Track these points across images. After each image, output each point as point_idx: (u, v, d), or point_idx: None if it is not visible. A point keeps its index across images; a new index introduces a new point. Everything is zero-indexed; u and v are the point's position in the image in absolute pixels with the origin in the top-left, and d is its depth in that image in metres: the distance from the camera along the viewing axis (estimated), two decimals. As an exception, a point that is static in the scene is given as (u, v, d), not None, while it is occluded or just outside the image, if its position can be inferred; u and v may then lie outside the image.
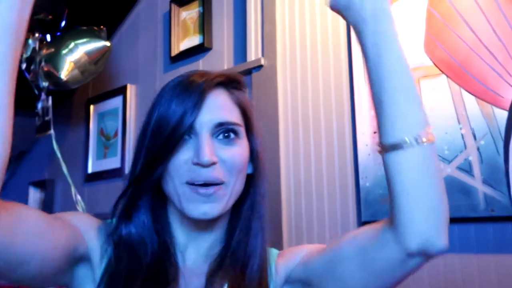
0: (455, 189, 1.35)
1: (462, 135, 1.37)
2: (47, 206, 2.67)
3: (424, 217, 0.62)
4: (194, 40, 2.11)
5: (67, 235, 0.68)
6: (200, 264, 0.78)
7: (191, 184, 0.72)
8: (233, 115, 0.75)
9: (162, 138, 0.71)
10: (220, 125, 0.73)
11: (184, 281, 0.75)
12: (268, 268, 0.79)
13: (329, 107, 1.68)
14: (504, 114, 1.30)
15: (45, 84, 2.13)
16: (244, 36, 1.94)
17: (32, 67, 2.12)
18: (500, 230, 1.29)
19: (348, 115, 1.62)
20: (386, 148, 0.64)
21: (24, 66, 2.12)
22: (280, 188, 1.74)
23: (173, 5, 2.18)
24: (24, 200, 2.77)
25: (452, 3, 1.42)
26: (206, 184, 0.71)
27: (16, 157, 3.08)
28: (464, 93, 1.38)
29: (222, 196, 0.73)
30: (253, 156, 0.79)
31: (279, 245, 1.70)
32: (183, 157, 0.72)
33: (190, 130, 0.72)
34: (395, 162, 0.63)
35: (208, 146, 0.71)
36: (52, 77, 2.11)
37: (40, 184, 2.75)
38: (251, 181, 0.79)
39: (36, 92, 2.16)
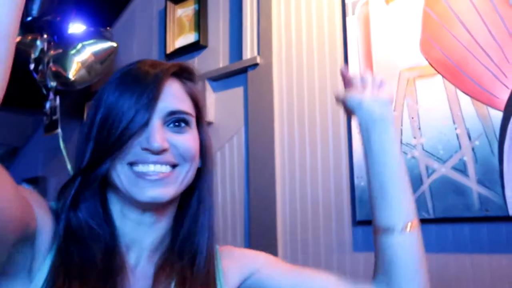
0: (450, 189, 1.35)
1: (457, 135, 1.37)
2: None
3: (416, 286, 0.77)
4: (189, 37, 2.10)
5: (26, 213, 0.63)
6: (147, 259, 0.75)
7: (134, 165, 0.69)
8: (185, 105, 0.74)
9: (115, 132, 0.68)
10: (172, 113, 0.72)
11: (132, 278, 0.72)
12: (214, 264, 0.78)
13: (324, 106, 1.68)
14: (499, 114, 1.31)
15: (53, 84, 2.16)
16: (240, 34, 1.94)
17: (40, 67, 2.15)
18: (494, 230, 1.29)
19: (344, 114, 1.62)
20: (380, 230, 0.77)
21: (32, 66, 2.15)
22: (275, 186, 1.74)
23: (168, 3, 2.17)
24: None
25: (448, 3, 1.42)
26: (154, 172, 0.69)
27: (9, 153, 3.07)
28: (460, 93, 1.38)
29: (175, 179, 0.71)
30: (202, 149, 0.77)
31: (273, 244, 1.70)
32: (130, 142, 0.69)
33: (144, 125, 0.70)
34: (387, 244, 0.77)
35: (159, 133, 0.69)
36: (60, 77, 2.14)
37: (32, 181, 2.74)
38: (199, 174, 0.77)
39: (44, 92, 2.19)
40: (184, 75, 0.77)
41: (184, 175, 0.72)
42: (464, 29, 1.39)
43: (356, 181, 1.54)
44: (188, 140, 0.72)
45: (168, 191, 0.70)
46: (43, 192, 2.67)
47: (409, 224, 0.76)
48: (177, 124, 0.72)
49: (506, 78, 1.31)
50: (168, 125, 0.72)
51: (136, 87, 0.70)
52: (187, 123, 0.73)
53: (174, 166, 0.71)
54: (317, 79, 1.71)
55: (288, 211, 1.71)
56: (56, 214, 0.71)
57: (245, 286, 0.80)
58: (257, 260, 0.82)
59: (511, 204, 1.26)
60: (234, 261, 0.81)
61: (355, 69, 1.60)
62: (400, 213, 0.76)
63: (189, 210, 0.77)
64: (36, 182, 2.71)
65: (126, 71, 0.73)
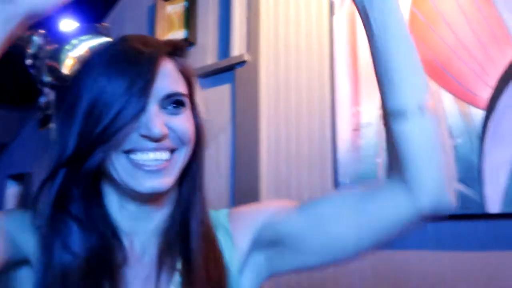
0: (432, 187, 1.35)
1: (440, 133, 1.38)
2: (25, 200, 2.63)
3: (436, 177, 0.65)
4: (178, 34, 2.10)
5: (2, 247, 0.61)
6: (154, 244, 0.73)
7: (131, 153, 0.66)
8: (180, 85, 0.70)
9: (107, 118, 0.63)
10: (168, 96, 0.68)
11: (133, 269, 0.70)
12: (217, 235, 0.75)
13: (312, 104, 1.68)
14: (481, 113, 1.32)
15: (48, 79, 2.16)
16: (229, 31, 1.94)
17: (36, 62, 2.15)
18: (473, 228, 1.30)
19: (329, 112, 1.63)
20: (390, 116, 0.66)
21: (28, 62, 2.16)
22: (259, 186, 1.74)
23: (158, -1, 2.17)
24: (1, 193, 2.73)
25: (434, 4, 1.43)
26: (153, 160, 0.66)
27: (-4, 149, 3.04)
28: (443, 92, 1.39)
29: (173, 167, 0.68)
30: (196, 129, 0.73)
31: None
32: (126, 129, 0.64)
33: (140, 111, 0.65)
34: (402, 130, 0.65)
35: (158, 119, 0.65)
36: (55, 72, 2.14)
37: (19, 178, 2.72)
38: (192, 155, 0.73)
39: (40, 87, 2.19)
40: (177, 52, 0.73)
41: (182, 161, 0.70)
42: (449, 29, 1.40)
43: (341, 179, 1.54)
44: (185, 121, 0.69)
45: (167, 180, 0.68)
46: (29, 189, 2.65)
47: (423, 103, 0.65)
48: (173, 106, 0.68)
49: (489, 77, 1.32)
50: (164, 108, 0.68)
51: (129, 69, 0.65)
52: (183, 104, 0.70)
53: (172, 150, 0.68)
54: (304, 77, 1.71)
55: (272, 208, 1.71)
56: (32, 223, 0.67)
57: (261, 240, 0.75)
58: (265, 212, 0.76)
59: (489, 202, 1.27)
60: (242, 221, 0.77)
61: (342, 68, 1.60)
62: (411, 93, 0.65)
63: (182, 191, 0.74)
64: (22, 178, 2.69)
65: (115, 49, 0.68)
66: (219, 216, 0.78)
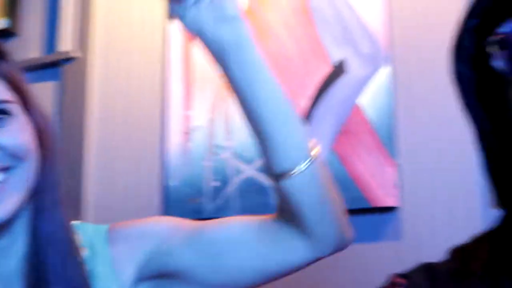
0: (253, 189, 1.42)
1: (263, 139, 1.45)
2: None
3: (333, 226, 0.63)
4: (-2, 23, 1.88)
5: None
6: (19, 282, 0.62)
7: None
8: None
9: None
10: None
11: None
12: (93, 265, 0.66)
13: (142, 106, 1.65)
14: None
15: None
16: (57, 24, 1.81)
17: None
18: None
19: (160, 115, 1.61)
20: (275, 176, 0.62)
21: None
22: (84, 189, 1.65)
23: (-26, -19, 1.92)
24: None
25: (263, 16, 1.52)
26: None
27: None
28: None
29: (13, 188, 0.59)
30: (39, 137, 0.64)
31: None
32: None
33: None
34: (291, 188, 0.61)
35: None
36: None
37: None
38: (40, 169, 0.64)
39: None
40: None
41: (24, 179, 0.60)
42: (275, 41, 1.49)
43: (170, 181, 1.53)
44: (15, 132, 0.60)
45: (7, 207, 0.58)
46: None
47: (307, 156, 0.61)
48: None
49: (307, 88, 1.44)
50: None
51: None
52: (7, 113, 0.60)
53: (6, 169, 0.59)
54: (136, 79, 1.67)
55: (95, 213, 1.62)
56: None
57: (148, 270, 0.67)
58: (153, 238, 0.68)
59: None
60: (126, 245, 0.68)
61: (176, 71, 1.60)
62: (293, 152, 0.61)
63: (34, 216, 0.63)
64: None
65: None
66: (96, 239, 0.68)
